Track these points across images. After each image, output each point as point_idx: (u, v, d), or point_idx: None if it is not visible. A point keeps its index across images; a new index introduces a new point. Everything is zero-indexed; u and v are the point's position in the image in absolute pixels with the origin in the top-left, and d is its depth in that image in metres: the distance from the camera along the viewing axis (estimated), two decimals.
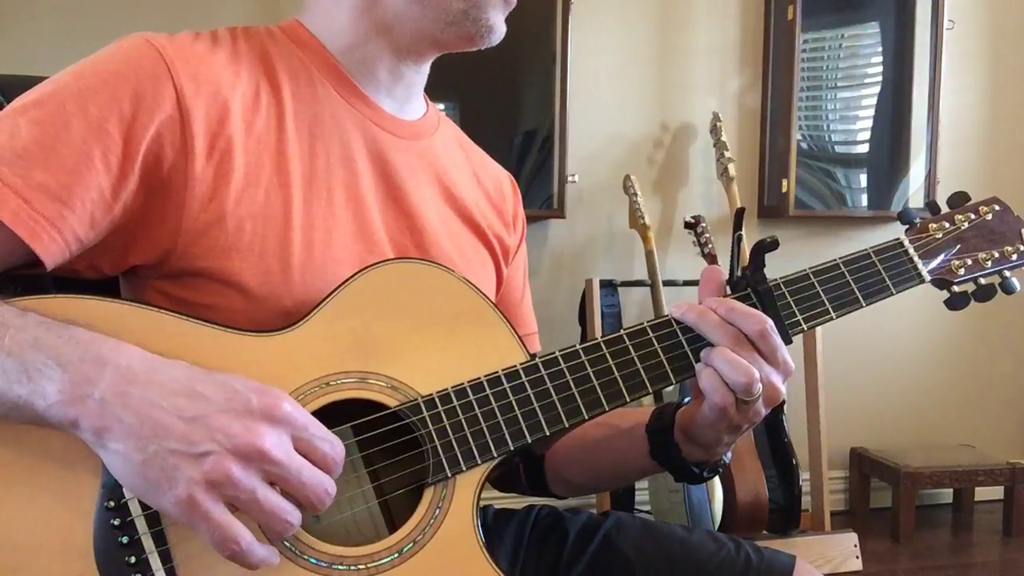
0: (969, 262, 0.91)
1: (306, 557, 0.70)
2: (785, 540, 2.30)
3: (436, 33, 0.87)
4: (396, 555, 0.72)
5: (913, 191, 2.87)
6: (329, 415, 0.73)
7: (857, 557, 2.35)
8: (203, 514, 0.62)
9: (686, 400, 0.86)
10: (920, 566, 2.54)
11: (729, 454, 0.88)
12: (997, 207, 0.94)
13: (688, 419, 0.83)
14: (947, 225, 0.92)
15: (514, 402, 0.77)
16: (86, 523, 0.66)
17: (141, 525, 0.67)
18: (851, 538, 2.38)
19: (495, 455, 0.75)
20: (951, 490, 2.94)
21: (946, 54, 2.84)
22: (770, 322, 0.77)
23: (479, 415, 0.76)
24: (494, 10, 0.87)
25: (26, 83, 0.78)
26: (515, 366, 0.78)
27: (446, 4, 0.85)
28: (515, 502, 1.03)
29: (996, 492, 2.82)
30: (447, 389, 0.76)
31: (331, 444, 0.68)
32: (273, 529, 0.65)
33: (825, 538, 2.38)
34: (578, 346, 0.80)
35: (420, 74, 0.93)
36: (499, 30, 0.88)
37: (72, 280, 0.79)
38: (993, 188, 0.99)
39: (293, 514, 0.65)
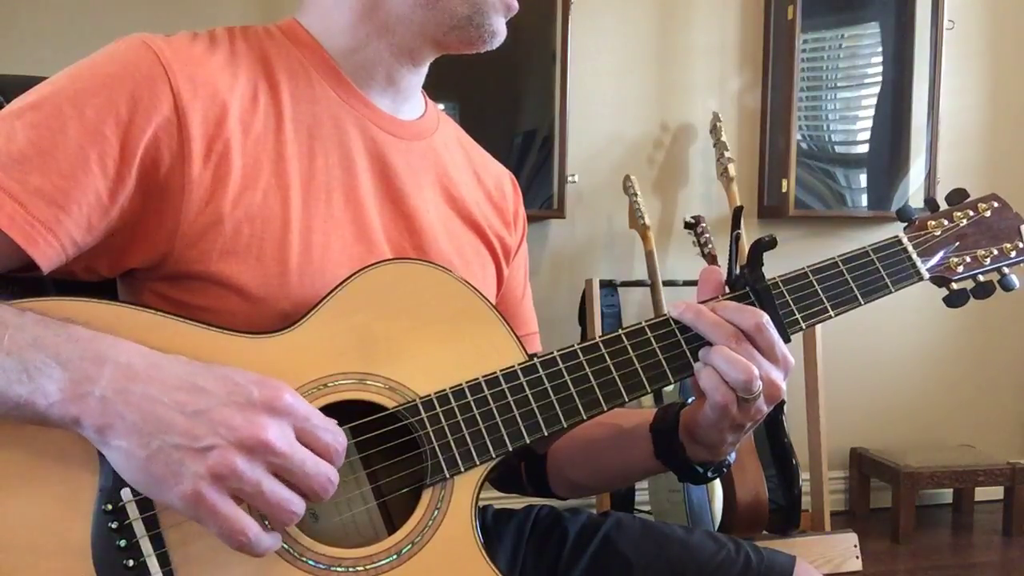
0: (968, 259, 0.91)
1: (304, 559, 0.70)
2: (785, 540, 2.30)
3: (439, 37, 0.87)
4: (395, 556, 0.72)
5: (913, 191, 2.87)
6: (328, 416, 0.73)
7: (857, 557, 2.35)
8: (210, 508, 0.63)
9: (690, 400, 0.85)
10: (920, 566, 2.53)
11: (734, 454, 0.87)
12: (996, 204, 0.94)
13: (691, 419, 0.83)
14: (946, 222, 0.92)
15: (512, 403, 0.77)
16: (84, 526, 0.66)
17: (139, 528, 0.67)
18: (851, 538, 2.37)
19: (493, 456, 0.75)
20: (951, 490, 2.94)
21: (946, 54, 2.84)
22: (765, 316, 0.77)
23: (477, 416, 0.76)
24: (496, 15, 0.88)
25: (26, 83, 0.77)
26: (513, 367, 0.78)
27: (451, 9, 0.85)
28: (514, 502, 1.03)
29: (996, 492, 2.81)
30: (445, 390, 0.76)
31: (332, 434, 0.68)
32: (278, 519, 0.66)
33: (825, 538, 2.38)
34: (576, 346, 0.80)
35: (418, 75, 0.93)
36: (500, 34, 0.89)
37: (70, 282, 0.79)
38: (993, 188, 0.98)
39: (298, 504, 0.66)
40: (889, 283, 0.87)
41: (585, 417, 0.78)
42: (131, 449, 0.63)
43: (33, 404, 0.63)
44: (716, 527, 2.34)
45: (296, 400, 0.67)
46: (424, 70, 0.93)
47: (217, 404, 0.64)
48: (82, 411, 0.63)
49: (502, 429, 0.76)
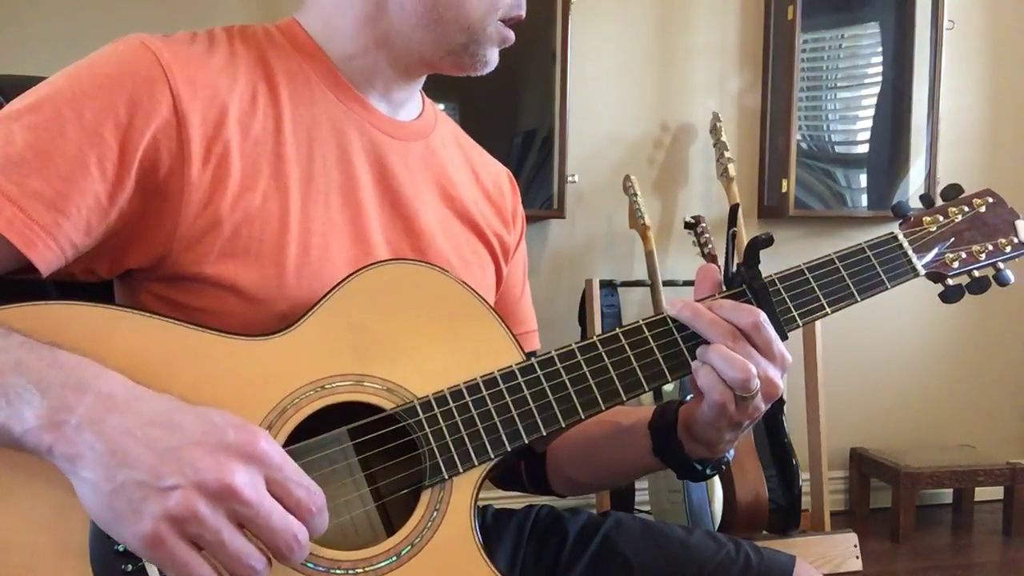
0: (963, 255, 0.91)
1: (303, 561, 0.70)
2: (785, 540, 2.29)
3: (434, 60, 0.88)
4: (394, 558, 0.72)
5: (913, 191, 2.87)
6: (325, 418, 0.73)
7: (857, 557, 2.35)
8: (167, 552, 0.60)
9: (688, 397, 0.85)
10: (920, 566, 2.53)
11: (732, 451, 0.88)
12: (991, 199, 0.94)
13: (689, 417, 0.83)
14: (941, 218, 0.92)
15: (510, 403, 0.77)
16: (82, 530, 0.66)
17: None
18: (851, 538, 2.37)
19: (492, 456, 0.75)
20: (951, 490, 2.94)
21: (946, 54, 2.83)
22: (763, 314, 0.78)
23: (475, 416, 0.75)
24: (492, 46, 0.89)
25: (26, 83, 0.77)
26: (511, 367, 0.78)
27: (449, 35, 0.86)
28: (514, 502, 1.03)
29: (996, 492, 2.81)
30: (443, 391, 0.76)
31: (307, 491, 0.64)
32: (236, 574, 0.62)
33: (825, 538, 2.38)
34: (574, 345, 0.80)
35: (414, 87, 0.94)
36: (492, 64, 0.91)
37: (70, 284, 0.79)
38: (993, 187, 0.98)
39: (258, 560, 0.62)
40: (885, 279, 0.87)
41: (583, 417, 0.78)
42: (96, 482, 0.61)
43: (9, 430, 0.62)
44: (716, 527, 2.34)
45: (272, 448, 0.64)
46: (420, 82, 0.94)
47: (188, 443, 0.61)
48: (56, 439, 0.61)
49: (500, 430, 0.76)
